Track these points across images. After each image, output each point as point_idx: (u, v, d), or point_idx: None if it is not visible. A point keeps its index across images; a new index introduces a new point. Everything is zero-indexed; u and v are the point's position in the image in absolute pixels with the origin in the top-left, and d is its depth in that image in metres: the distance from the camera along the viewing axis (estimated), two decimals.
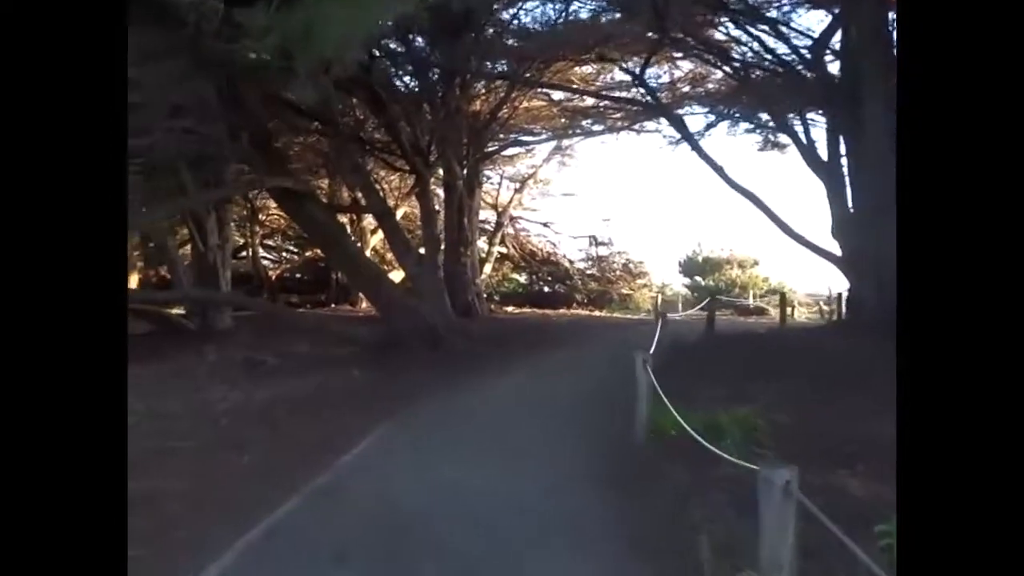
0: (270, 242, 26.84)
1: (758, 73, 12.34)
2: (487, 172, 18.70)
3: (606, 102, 16.44)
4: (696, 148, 11.40)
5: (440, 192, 15.94)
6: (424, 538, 3.80)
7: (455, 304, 14.96)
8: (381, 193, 11.24)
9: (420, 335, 9.89)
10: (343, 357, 9.89)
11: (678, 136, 13.62)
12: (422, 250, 11.39)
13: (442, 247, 11.16)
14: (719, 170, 10.83)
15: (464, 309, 14.84)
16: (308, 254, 23.72)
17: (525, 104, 16.77)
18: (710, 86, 15.07)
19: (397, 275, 15.91)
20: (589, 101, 17.50)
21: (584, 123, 18.68)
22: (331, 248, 10.06)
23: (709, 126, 14.54)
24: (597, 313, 20.85)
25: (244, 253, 25.38)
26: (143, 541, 3.90)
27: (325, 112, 9.52)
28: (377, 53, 10.44)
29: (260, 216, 23.28)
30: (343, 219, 19.20)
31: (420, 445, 5.72)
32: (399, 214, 18.10)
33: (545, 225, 23.27)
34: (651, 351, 6.68)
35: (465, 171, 15.31)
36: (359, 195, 14.37)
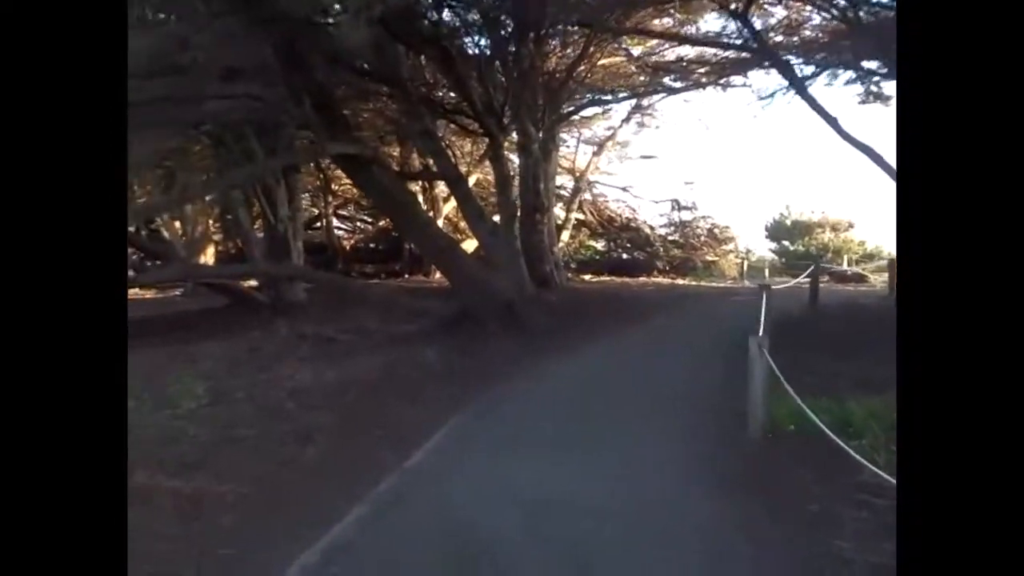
0: (344, 212, 26.77)
1: (866, 15, 11.02)
2: (563, 135, 17.75)
3: (692, 53, 15.27)
4: (805, 97, 10.25)
5: (514, 157, 15.20)
6: (512, 569, 3.16)
7: (532, 274, 14.27)
8: (453, 159, 10.56)
9: (495, 309, 9.26)
10: (415, 333, 9.36)
11: (770, 90, 12.42)
12: (496, 218, 10.70)
13: (518, 214, 10.42)
14: (832, 121, 9.67)
15: (541, 279, 14.13)
16: (381, 223, 23.45)
17: (603, 61, 15.73)
18: (807, 33, 13.77)
19: (470, 244, 15.34)
20: (671, 56, 16.34)
21: (665, 79, 17.49)
22: (400, 217, 9.50)
23: (807, 77, 13.22)
24: (680, 281, 19.79)
25: (318, 224, 25.40)
26: (183, 558, 3.42)
27: (392, 73, 8.89)
28: (446, 8, 9.73)
29: (333, 186, 23.09)
30: (414, 187, 18.77)
31: (500, 440, 5.06)
32: (472, 181, 17.47)
33: (624, 190, 22.27)
34: (761, 331, 5.84)
35: (540, 134, 14.48)
36: (430, 161, 13.83)
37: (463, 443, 5.06)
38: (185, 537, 3.70)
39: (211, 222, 20.66)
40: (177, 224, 19.65)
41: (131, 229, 22.11)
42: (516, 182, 13.91)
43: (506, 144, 11.46)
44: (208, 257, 19.38)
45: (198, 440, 5.38)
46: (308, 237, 25.55)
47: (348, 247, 24.63)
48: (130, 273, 13.10)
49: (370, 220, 25.99)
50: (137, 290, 17.36)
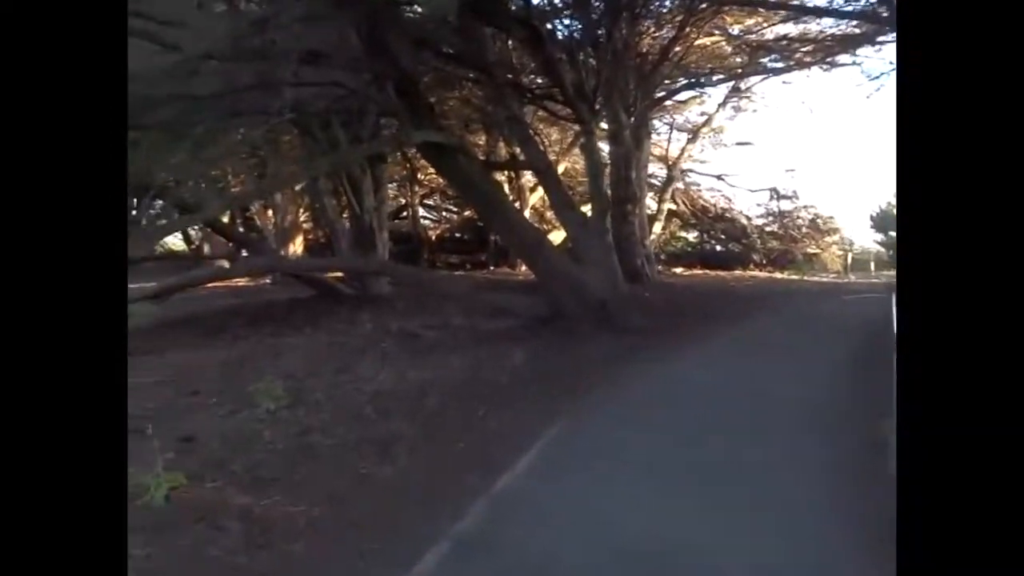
0: (430, 202, 26.67)
1: None
2: (655, 121, 16.92)
3: (795, 31, 14.21)
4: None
5: (604, 146, 14.54)
6: None
7: (623, 268, 13.63)
8: (541, 147, 10.03)
9: (586, 307, 8.71)
10: (501, 332, 8.91)
11: (879, 70, 11.29)
12: (586, 209, 10.11)
13: (609, 205, 9.80)
14: None
15: (632, 273, 13.46)
16: (467, 213, 23.17)
17: (699, 41, 14.83)
18: None
19: (558, 235, 14.78)
20: (771, 34, 15.27)
21: (765, 60, 16.41)
22: (485, 208, 9.04)
23: None
24: (778, 275, 18.66)
25: (404, 213, 25.40)
26: None
27: (479, 57, 8.42)
28: None
29: (420, 175, 22.95)
30: (500, 177, 18.32)
31: (599, 462, 4.49)
32: (560, 170, 16.90)
33: (719, 178, 21.19)
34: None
35: (632, 120, 13.77)
36: (516, 150, 13.34)
37: (557, 466, 4.52)
38: (248, 568, 3.35)
39: (301, 211, 20.84)
40: (270, 213, 19.90)
41: (225, 219, 22.73)
42: (607, 171, 13.28)
43: (596, 131, 10.84)
44: (297, 246, 19.53)
45: (273, 447, 5.07)
46: (395, 227, 25.59)
47: (434, 237, 24.50)
48: (224, 264, 13.20)
49: (456, 210, 25.79)
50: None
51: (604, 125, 12.87)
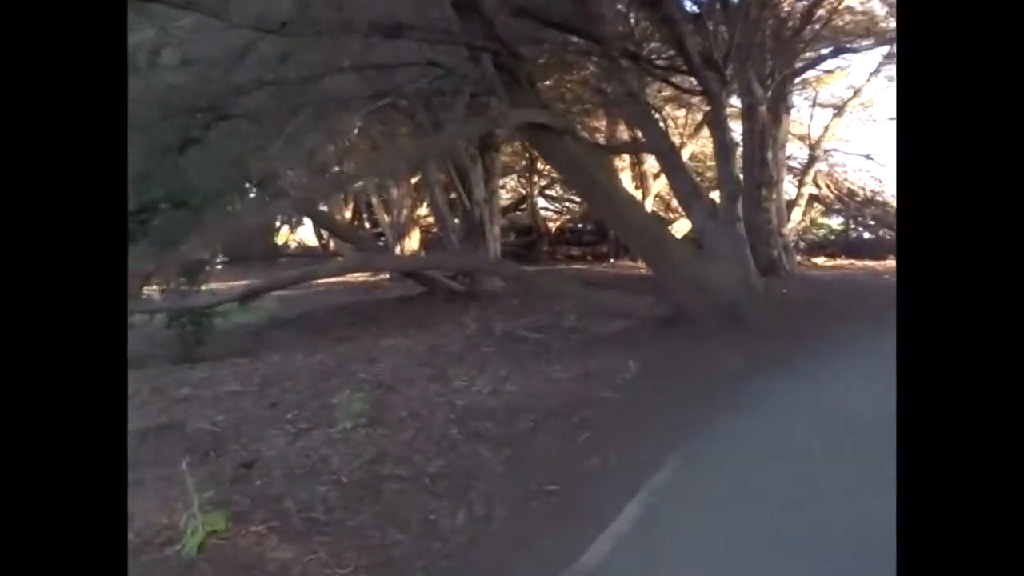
0: (552, 192, 25.84)
1: None
2: (795, 95, 15.06)
3: None
4: None
5: (736, 125, 13.04)
6: None
7: (756, 260, 12.19)
8: (663, 127, 8.84)
9: (713, 309, 7.54)
10: (616, 335, 7.90)
11: None
12: (715, 195, 8.85)
13: (740, 191, 8.49)
14: None
15: (768, 266, 11.99)
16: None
17: (848, 2, 13.04)
18: None
19: (684, 224, 13.49)
20: None
21: None
22: (596, 196, 8.01)
23: None
24: None
25: (524, 205, 24.75)
26: None
27: (590, 24, 7.39)
28: None
29: (540, 165, 22.14)
30: (622, 163, 17.12)
31: (727, 528, 3.44)
32: (687, 154, 15.53)
33: (868, 158, 18.93)
34: None
35: (769, 93, 12.24)
36: (637, 133, 12.18)
37: (669, 526, 3.49)
38: None
39: (416, 206, 20.53)
40: (385, 209, 19.72)
41: (348, 215, 22.87)
42: (739, 152, 11.87)
43: (727, 107, 9.56)
44: (413, 242, 19.22)
45: (338, 478, 4.37)
46: (515, 219, 24.94)
47: (554, 229, 23.68)
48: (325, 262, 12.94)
49: (577, 200, 24.80)
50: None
51: (736, 100, 11.47)
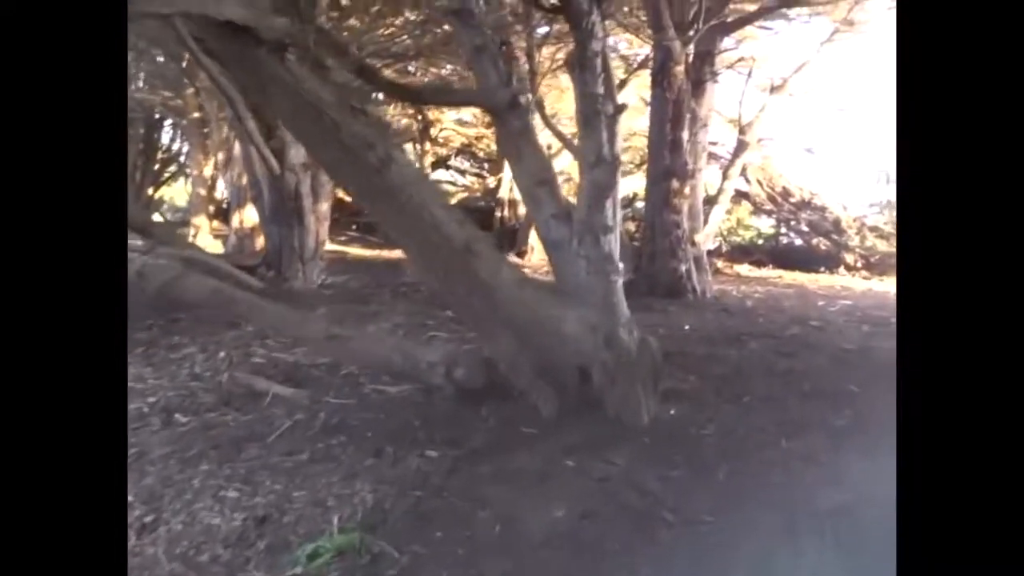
0: (458, 163, 22.60)
1: None
2: (725, 59, 11.74)
3: None
4: None
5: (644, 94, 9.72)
6: None
7: (656, 279, 9.04)
8: (506, 69, 5.24)
9: (551, 380, 4.34)
10: (368, 425, 4.55)
11: None
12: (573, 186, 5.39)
13: (615, 180, 5.03)
14: None
15: (670, 286, 8.89)
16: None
17: None
18: None
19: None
20: None
21: None
22: (349, 174, 4.42)
23: None
24: (879, 284, 13.61)
25: None
26: None
27: None
28: None
29: (434, 131, 18.70)
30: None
31: None
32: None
33: (808, 152, 16.14)
34: None
35: (692, 49, 9.03)
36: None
37: None
38: None
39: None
40: None
41: None
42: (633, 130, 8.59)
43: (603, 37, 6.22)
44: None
45: None
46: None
47: None
48: None
49: (483, 173, 21.51)
50: None
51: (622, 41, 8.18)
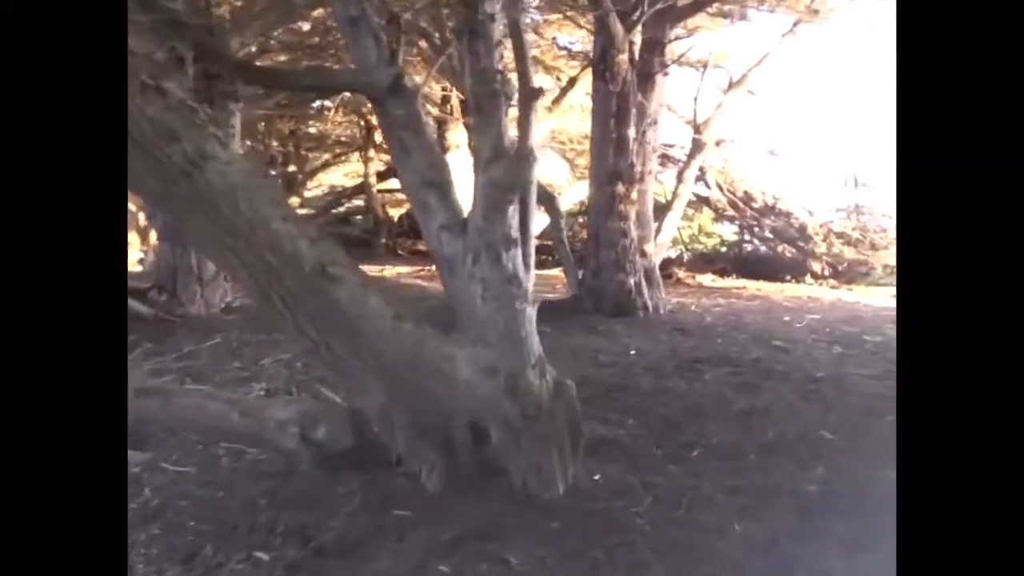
0: None
1: None
2: (677, 51, 10.73)
3: None
4: None
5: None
6: None
7: (602, 296, 8.00)
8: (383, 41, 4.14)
9: (436, 443, 3.26)
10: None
11: None
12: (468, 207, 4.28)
13: (525, 179, 4.01)
14: None
15: (617, 305, 7.85)
16: None
17: None
18: None
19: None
20: None
21: None
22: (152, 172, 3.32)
23: None
24: (849, 294, 12.75)
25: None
26: None
27: None
28: None
29: (379, 136, 17.65)
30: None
31: None
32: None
33: (771, 153, 15.29)
34: None
35: (638, 37, 8.05)
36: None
37: None
38: None
39: None
40: None
41: None
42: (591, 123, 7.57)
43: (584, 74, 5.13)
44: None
45: None
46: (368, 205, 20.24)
47: (398, 217, 19.32)
48: None
49: None
50: None
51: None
